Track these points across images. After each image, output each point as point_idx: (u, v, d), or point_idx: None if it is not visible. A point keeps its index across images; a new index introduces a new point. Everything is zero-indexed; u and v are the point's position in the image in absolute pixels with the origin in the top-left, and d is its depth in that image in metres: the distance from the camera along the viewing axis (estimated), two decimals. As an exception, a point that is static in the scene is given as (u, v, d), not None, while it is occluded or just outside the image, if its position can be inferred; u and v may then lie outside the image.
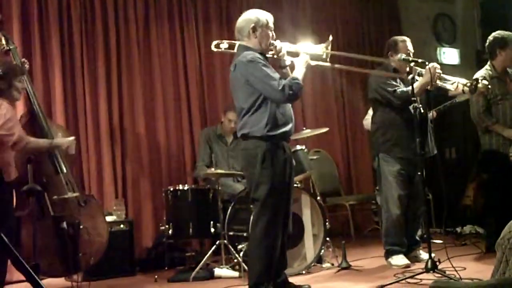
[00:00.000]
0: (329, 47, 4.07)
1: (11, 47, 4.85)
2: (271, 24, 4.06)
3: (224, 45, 4.19)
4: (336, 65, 4.20)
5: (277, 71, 4.04)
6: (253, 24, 3.99)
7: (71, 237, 4.64)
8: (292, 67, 4.12)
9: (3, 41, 4.84)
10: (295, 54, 4.17)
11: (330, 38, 4.08)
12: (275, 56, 4.14)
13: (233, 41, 4.14)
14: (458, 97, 5.71)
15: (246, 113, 3.95)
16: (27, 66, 4.92)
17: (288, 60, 4.13)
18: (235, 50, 4.10)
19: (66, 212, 4.72)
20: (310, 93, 7.42)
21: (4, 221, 4.07)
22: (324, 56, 4.10)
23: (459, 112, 6.55)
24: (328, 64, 4.14)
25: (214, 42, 4.23)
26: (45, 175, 4.73)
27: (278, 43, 4.09)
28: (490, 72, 5.20)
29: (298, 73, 4.00)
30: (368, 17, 8.26)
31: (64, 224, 4.61)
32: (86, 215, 4.86)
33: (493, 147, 5.23)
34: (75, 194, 4.80)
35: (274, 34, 4.09)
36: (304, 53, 4.07)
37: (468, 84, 4.65)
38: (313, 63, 4.11)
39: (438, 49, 8.63)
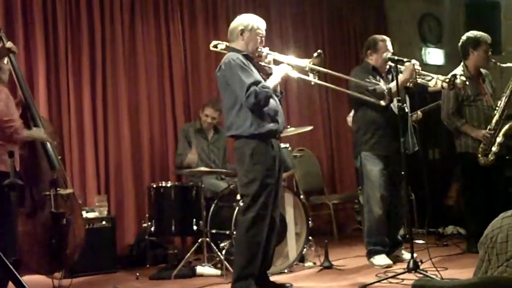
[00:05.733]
0: (317, 62, 4.07)
1: None
2: (260, 30, 4.14)
3: (222, 45, 4.30)
4: (318, 81, 4.18)
5: (264, 77, 4.11)
6: (242, 27, 4.10)
7: (63, 234, 4.55)
8: None
9: None
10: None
11: (315, 54, 4.09)
12: (262, 63, 4.19)
13: (227, 43, 4.24)
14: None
15: (231, 113, 4.03)
16: (15, 50, 4.57)
17: (273, 68, 4.17)
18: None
19: (64, 209, 4.59)
20: (294, 91, 7.38)
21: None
22: (306, 69, 4.11)
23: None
24: (311, 79, 4.11)
25: (213, 43, 4.37)
26: (41, 170, 4.63)
27: (265, 50, 4.16)
28: (463, 73, 5.19)
29: (271, 82, 4.06)
30: (354, 15, 8.23)
31: (65, 221, 4.50)
32: (68, 210, 4.76)
33: (467, 149, 5.26)
34: (69, 191, 4.71)
35: (263, 40, 4.16)
36: (286, 64, 4.10)
37: (447, 80, 4.65)
38: (294, 74, 4.12)
39: (423, 49, 8.62)
